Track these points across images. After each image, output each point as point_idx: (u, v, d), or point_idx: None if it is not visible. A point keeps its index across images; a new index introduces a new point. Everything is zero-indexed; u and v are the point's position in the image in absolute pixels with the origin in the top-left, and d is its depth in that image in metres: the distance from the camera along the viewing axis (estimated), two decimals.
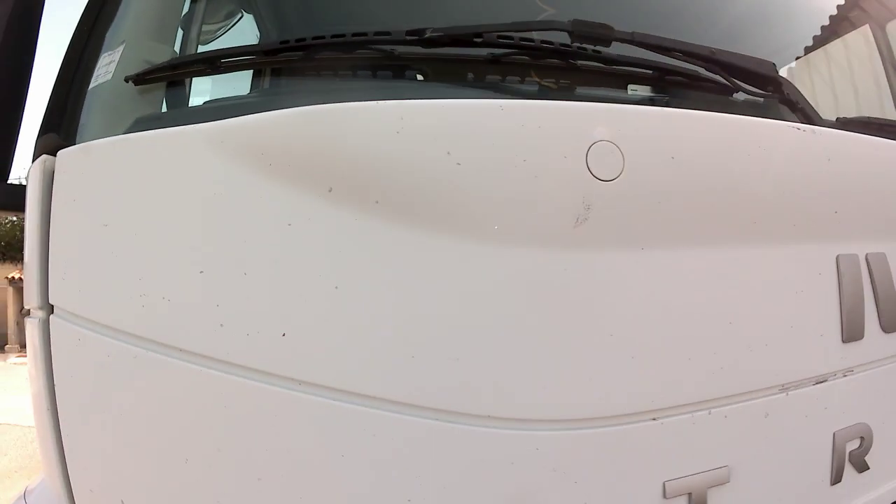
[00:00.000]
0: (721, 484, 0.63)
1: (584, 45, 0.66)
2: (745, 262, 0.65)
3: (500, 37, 0.64)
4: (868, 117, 0.86)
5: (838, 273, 0.71)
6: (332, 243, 0.56)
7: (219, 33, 0.94)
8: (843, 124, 0.81)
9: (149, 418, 0.58)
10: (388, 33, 0.66)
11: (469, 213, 0.57)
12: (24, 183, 0.71)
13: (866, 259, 0.73)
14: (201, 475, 0.56)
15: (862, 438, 0.72)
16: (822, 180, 0.69)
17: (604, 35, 0.64)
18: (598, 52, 0.67)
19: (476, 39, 0.63)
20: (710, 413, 0.63)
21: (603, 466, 0.59)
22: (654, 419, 0.60)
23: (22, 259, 0.73)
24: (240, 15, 0.98)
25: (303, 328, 0.56)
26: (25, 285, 0.70)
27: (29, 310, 0.67)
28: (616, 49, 0.67)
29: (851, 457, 0.72)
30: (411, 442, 0.55)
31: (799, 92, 0.75)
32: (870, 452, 0.73)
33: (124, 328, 0.58)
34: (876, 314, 0.74)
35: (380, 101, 0.57)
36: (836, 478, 0.71)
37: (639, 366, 0.60)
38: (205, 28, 0.84)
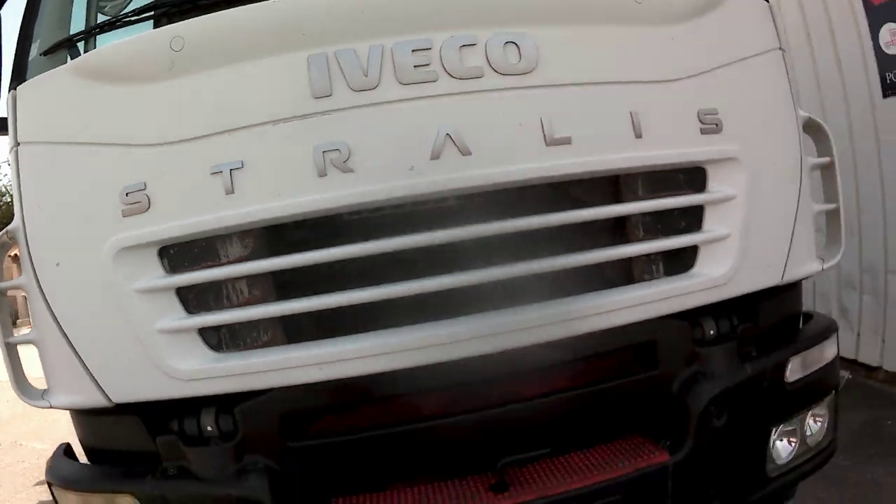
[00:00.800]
0: (237, 169, 1.37)
1: None
2: (265, 68, 1.41)
3: None
4: None
5: (308, 63, 1.38)
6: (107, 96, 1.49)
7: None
8: None
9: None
10: None
11: (135, 75, 1.46)
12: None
13: (335, 55, 1.39)
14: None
15: (339, 150, 1.37)
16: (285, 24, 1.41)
17: None
18: None
19: None
20: (230, 136, 1.38)
21: (184, 172, 1.41)
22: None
23: None
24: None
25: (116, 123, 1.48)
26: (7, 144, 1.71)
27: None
28: None
29: (334, 161, 1.37)
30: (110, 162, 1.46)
31: None
32: (349, 160, 1.37)
33: (47, 139, 1.54)
34: (345, 82, 1.38)
35: (121, 40, 1.50)
36: (322, 173, 1.37)
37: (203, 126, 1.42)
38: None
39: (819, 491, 3.03)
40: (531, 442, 1.57)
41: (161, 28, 1.49)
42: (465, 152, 1.40)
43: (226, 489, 1.46)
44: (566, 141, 1.45)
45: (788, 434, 1.91)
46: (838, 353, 2.04)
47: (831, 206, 1.97)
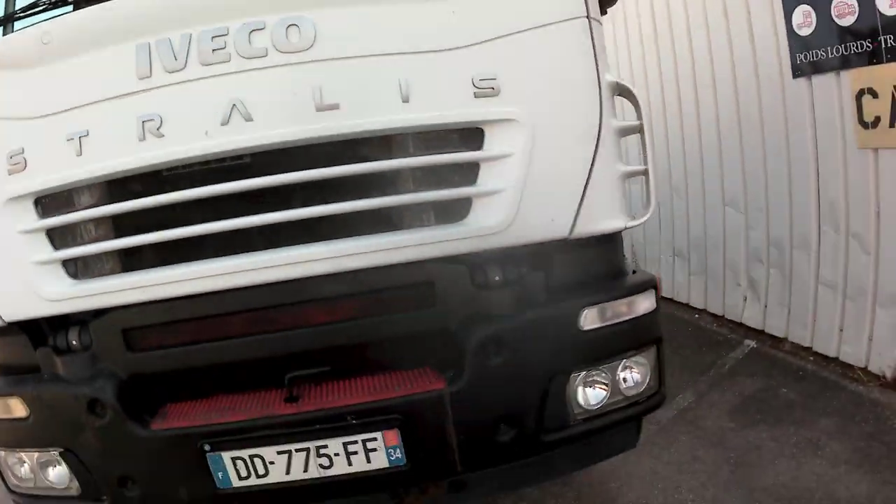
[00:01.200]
0: (84, 137, 1.80)
1: None
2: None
3: None
4: None
5: (135, 51, 1.79)
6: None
7: None
8: None
9: None
10: None
11: (17, 62, 1.93)
12: None
13: (155, 43, 1.79)
14: None
15: (154, 120, 1.78)
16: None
17: None
18: None
19: None
20: (80, 111, 1.82)
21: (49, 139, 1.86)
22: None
23: None
24: None
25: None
26: None
27: None
28: None
29: (150, 129, 1.79)
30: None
31: None
32: (162, 127, 1.78)
33: None
34: (161, 65, 1.79)
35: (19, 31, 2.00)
36: (141, 138, 1.78)
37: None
38: None
39: (697, 449, 3.13)
40: (316, 362, 1.91)
41: (36, 25, 1.96)
42: (247, 119, 1.77)
43: (81, 389, 1.90)
44: (335, 107, 1.79)
45: (598, 382, 2.07)
46: (657, 308, 2.18)
47: (639, 168, 2.18)
